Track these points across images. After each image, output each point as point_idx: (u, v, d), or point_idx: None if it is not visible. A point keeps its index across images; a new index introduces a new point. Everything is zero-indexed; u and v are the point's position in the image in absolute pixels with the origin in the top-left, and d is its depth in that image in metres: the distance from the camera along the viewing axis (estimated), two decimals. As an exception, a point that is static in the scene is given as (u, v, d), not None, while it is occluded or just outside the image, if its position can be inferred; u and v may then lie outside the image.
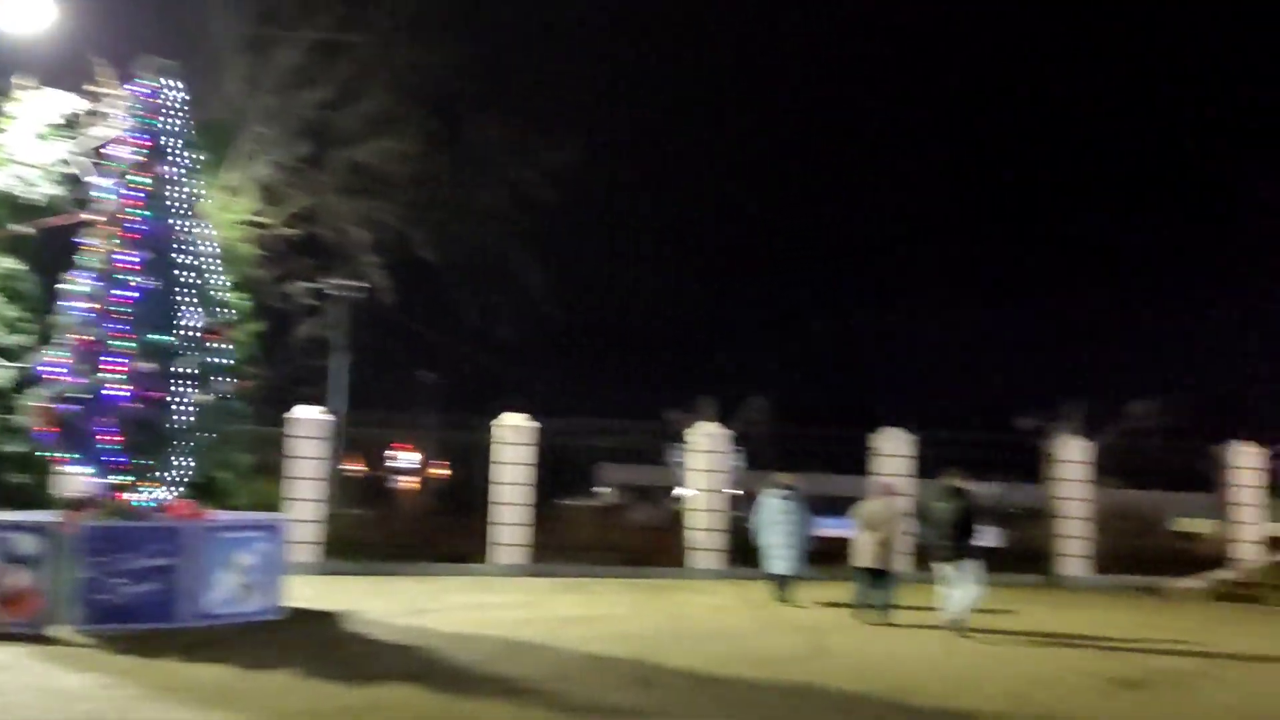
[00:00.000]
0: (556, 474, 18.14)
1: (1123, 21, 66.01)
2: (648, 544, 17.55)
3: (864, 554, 12.29)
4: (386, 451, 29.25)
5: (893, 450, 17.11)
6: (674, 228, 57.34)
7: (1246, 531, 17.83)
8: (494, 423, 16.62)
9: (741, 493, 17.89)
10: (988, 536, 19.23)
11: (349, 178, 19.06)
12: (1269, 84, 65.76)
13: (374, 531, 17.58)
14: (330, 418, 16.82)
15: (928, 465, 16.37)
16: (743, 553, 15.61)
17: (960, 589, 11.35)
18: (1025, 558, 17.52)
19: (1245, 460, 17.94)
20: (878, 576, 12.25)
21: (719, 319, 74.13)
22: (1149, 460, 20.27)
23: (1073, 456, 17.73)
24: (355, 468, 26.17)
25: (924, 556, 13.24)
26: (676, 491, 21.21)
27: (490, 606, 12.59)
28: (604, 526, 19.22)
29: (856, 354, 72.11)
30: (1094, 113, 70.71)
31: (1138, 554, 17.69)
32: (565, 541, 16.96)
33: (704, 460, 17.10)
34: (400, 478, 29.19)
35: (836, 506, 14.38)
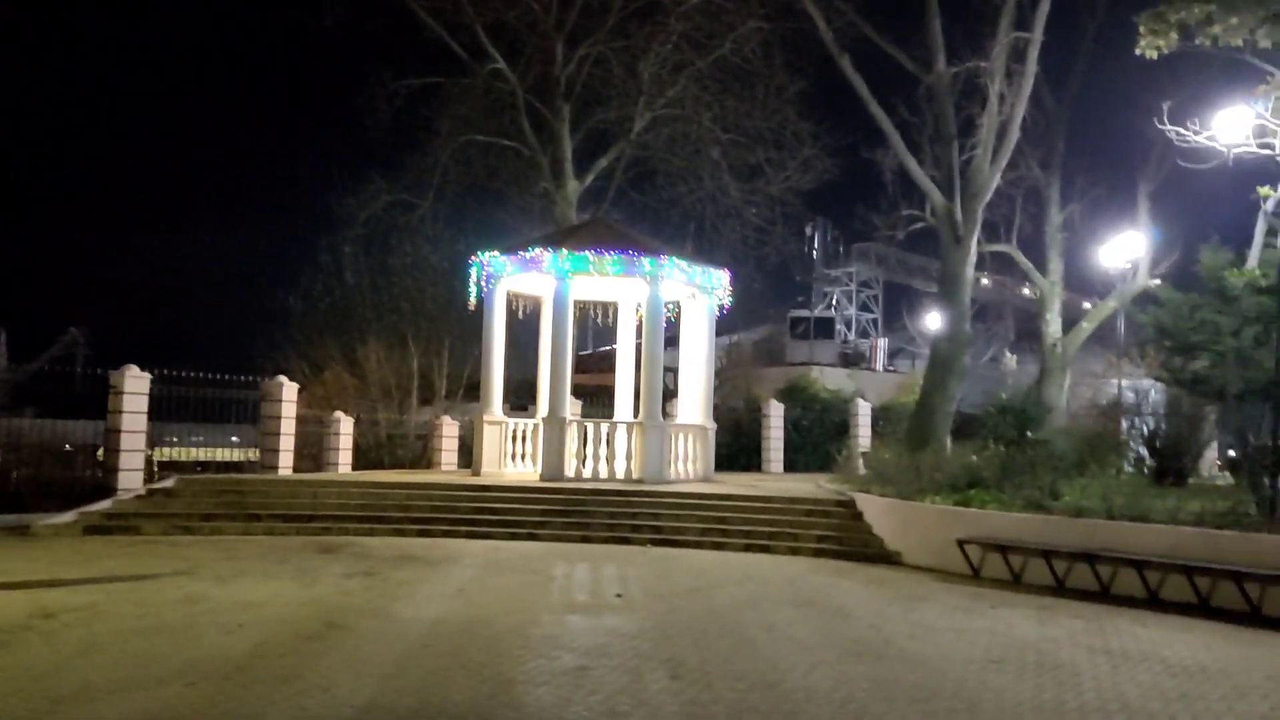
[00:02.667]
0: None
1: None
2: None
3: None
4: None
5: None
6: None
7: (130, 459, 17.01)
8: None
9: None
10: None
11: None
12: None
13: None
14: None
15: None
16: None
17: None
18: None
19: (131, 385, 17.03)
20: None
21: None
22: (76, 388, 18.99)
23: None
24: None
25: None
26: None
27: None
28: None
29: None
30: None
31: (58, 487, 16.39)
32: None
33: None
34: None
35: None
